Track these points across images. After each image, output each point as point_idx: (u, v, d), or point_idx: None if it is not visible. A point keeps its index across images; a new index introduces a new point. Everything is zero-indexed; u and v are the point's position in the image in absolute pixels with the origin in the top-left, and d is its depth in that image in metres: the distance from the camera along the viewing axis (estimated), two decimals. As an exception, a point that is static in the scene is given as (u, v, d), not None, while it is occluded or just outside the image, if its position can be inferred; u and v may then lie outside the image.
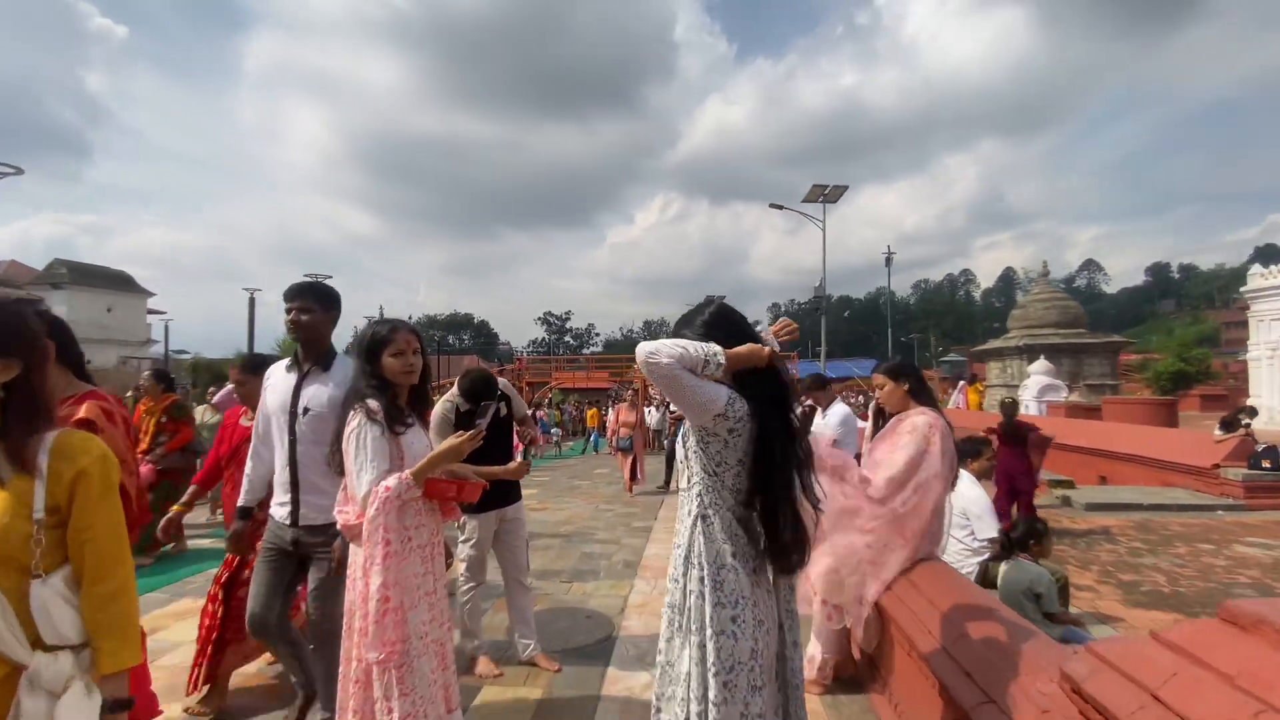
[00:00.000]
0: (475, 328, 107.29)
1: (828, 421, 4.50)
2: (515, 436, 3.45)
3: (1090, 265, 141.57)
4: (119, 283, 41.88)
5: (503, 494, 2.99)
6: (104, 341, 36.53)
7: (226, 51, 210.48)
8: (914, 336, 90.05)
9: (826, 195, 24.55)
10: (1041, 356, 15.39)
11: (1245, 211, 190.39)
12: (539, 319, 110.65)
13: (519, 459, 3.00)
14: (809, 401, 10.28)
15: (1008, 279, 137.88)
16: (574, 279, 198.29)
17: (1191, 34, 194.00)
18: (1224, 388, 23.96)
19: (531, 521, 6.80)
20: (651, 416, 14.24)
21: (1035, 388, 14.88)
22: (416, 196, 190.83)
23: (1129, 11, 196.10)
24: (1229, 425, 7.83)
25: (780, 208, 25.01)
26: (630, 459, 8.83)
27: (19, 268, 40.36)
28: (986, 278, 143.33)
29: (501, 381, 3.17)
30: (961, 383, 19.81)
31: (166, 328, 32.73)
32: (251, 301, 21.46)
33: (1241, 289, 17.19)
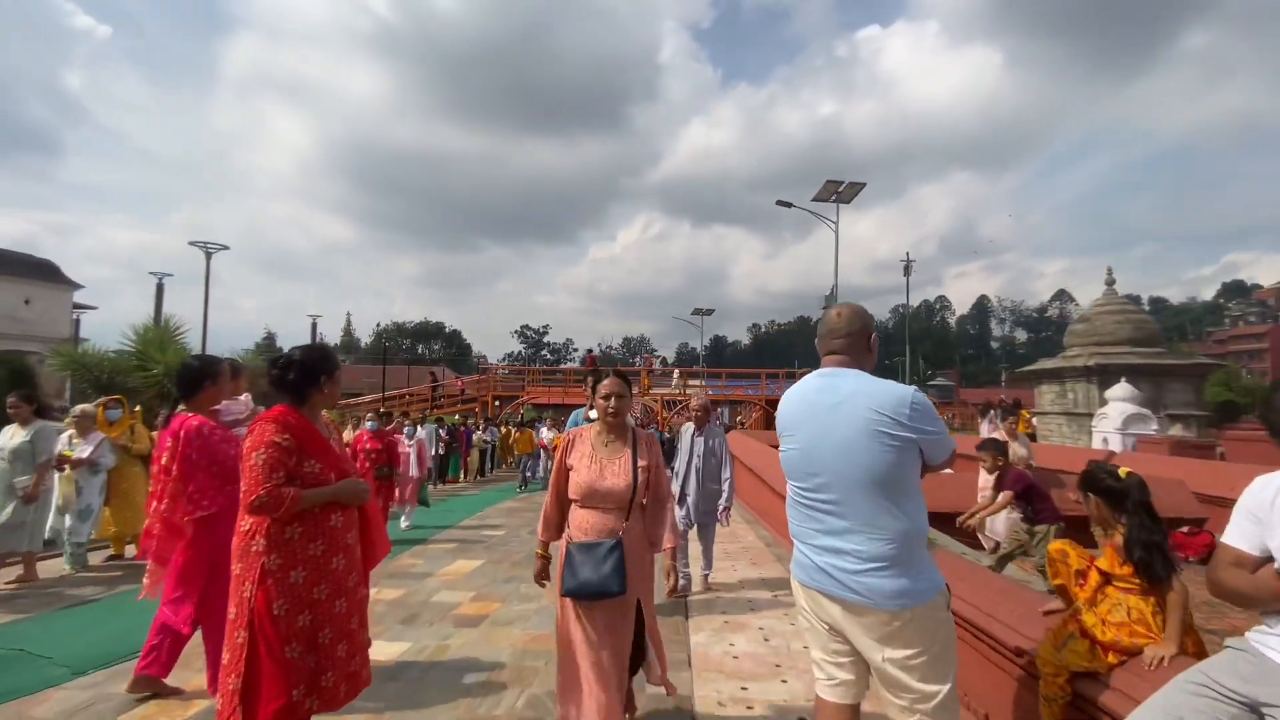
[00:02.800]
0: (447, 337, 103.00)
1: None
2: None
3: (1062, 295, 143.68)
4: (42, 272, 37.25)
5: None
6: (20, 337, 32.14)
7: (207, 55, 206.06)
8: (899, 359, 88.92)
9: (840, 194, 21.88)
10: (1123, 380, 12.57)
11: (1202, 251, 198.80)
12: (515, 332, 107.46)
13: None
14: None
15: (982, 307, 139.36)
16: (554, 294, 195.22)
17: (1149, 84, 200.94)
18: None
19: (454, 666, 3.38)
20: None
21: (1119, 417, 12.03)
22: (395, 206, 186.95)
23: (1091, 60, 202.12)
24: None
25: (789, 205, 22.29)
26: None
27: (-74, 253, 35.65)
28: (960, 305, 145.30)
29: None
30: (995, 411, 16.93)
31: (77, 322, 28.55)
32: (159, 288, 17.78)
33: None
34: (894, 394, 1.80)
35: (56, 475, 5.19)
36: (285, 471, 2.07)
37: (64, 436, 5.25)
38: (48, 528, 5.13)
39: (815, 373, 2.01)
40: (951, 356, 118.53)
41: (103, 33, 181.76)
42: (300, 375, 2.25)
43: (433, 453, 12.22)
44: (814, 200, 21.85)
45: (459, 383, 30.05)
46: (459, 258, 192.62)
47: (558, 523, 2.70)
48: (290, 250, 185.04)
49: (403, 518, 8.08)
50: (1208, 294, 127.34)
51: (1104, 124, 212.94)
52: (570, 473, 2.64)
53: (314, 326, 26.52)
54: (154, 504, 2.94)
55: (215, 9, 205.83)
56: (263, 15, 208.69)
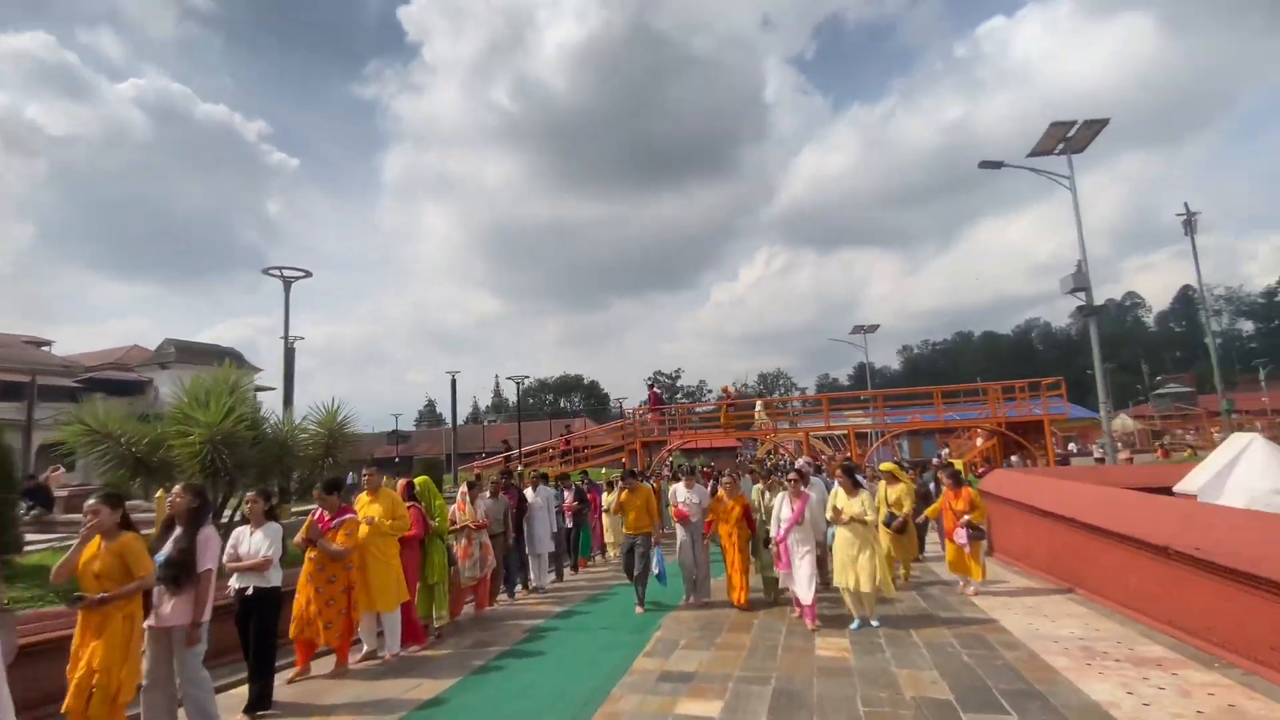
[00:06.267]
0: (586, 389, 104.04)
1: None
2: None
3: None
4: (227, 360, 41.09)
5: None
6: (210, 420, 34.71)
7: (371, 169, 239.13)
8: (1108, 366, 74.90)
9: (1070, 142, 16.40)
10: None
11: None
12: (648, 379, 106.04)
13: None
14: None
15: (1187, 299, 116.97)
16: (681, 340, 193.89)
17: None
18: None
19: None
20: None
21: None
22: (533, 277, 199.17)
23: (1264, 5, 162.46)
24: None
25: (998, 165, 17.13)
26: None
27: (139, 351, 40.60)
28: (1156, 301, 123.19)
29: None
30: None
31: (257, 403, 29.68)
32: (289, 353, 16.66)
33: None
34: None
35: None
36: None
37: None
38: None
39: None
40: (1162, 360, 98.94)
41: (292, 164, 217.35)
42: None
43: (553, 529, 8.72)
44: (1033, 154, 16.59)
45: (563, 442, 26.17)
46: (591, 315, 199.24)
47: None
48: (449, 326, 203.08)
49: None
50: None
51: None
52: None
53: (453, 383, 25.13)
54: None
55: (375, 129, 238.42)
56: (411, 129, 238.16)
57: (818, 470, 10.47)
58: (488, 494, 7.31)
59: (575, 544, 9.61)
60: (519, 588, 8.24)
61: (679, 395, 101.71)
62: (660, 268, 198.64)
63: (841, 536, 5.98)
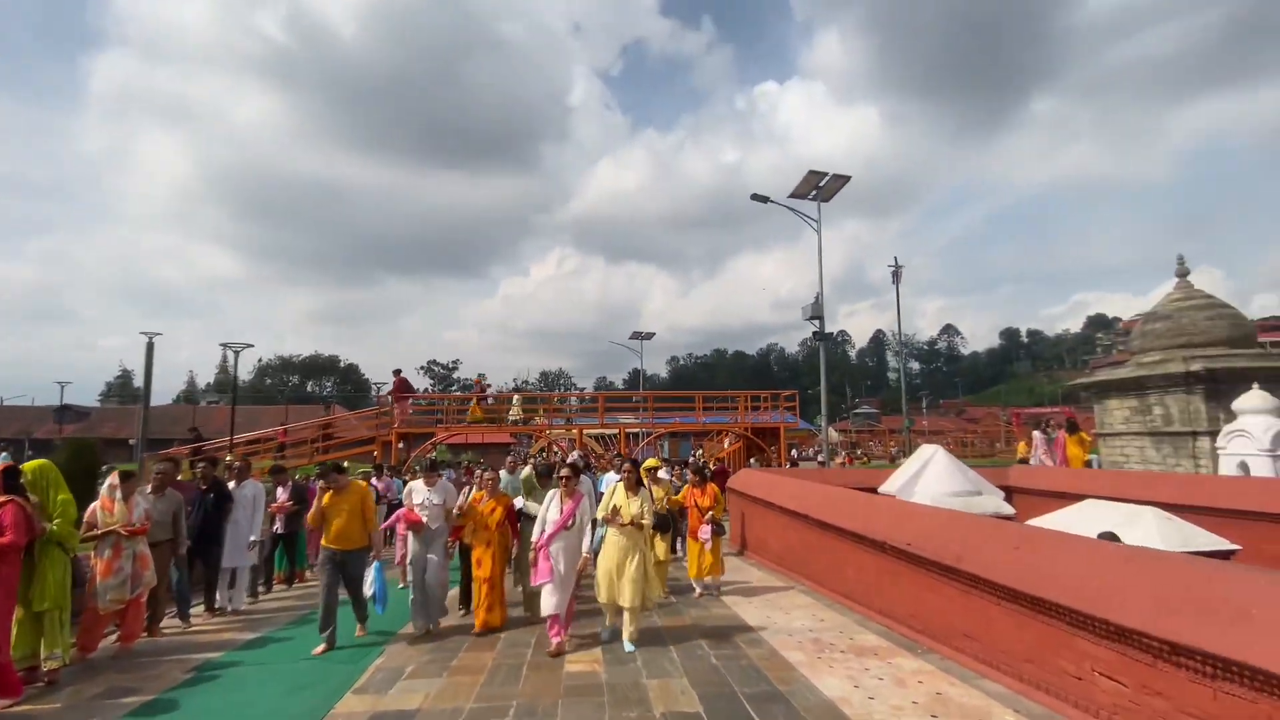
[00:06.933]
0: (342, 373, 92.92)
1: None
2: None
3: (950, 329, 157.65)
4: None
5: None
6: None
7: (71, 71, 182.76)
8: (819, 389, 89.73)
9: (821, 190, 18.89)
10: (1255, 387, 9.78)
11: (1054, 291, 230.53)
12: (423, 368, 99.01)
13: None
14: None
15: (878, 340, 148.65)
16: (463, 329, 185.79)
17: (1006, 142, 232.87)
18: None
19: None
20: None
21: (1266, 434, 9.18)
22: (288, 238, 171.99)
23: (956, 120, 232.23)
24: None
25: (765, 200, 18.99)
26: None
27: None
28: (858, 340, 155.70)
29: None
30: (1046, 434, 14.04)
31: None
32: None
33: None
34: None
35: None
36: None
37: None
38: None
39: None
40: (859, 387, 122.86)
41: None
42: None
43: (254, 536, 6.69)
44: (793, 196, 18.78)
45: (280, 433, 21.66)
46: (358, 292, 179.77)
47: None
48: (163, 284, 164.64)
49: None
50: (1059, 329, 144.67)
51: (971, 177, 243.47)
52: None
53: (150, 346, 19.86)
54: None
55: (82, 22, 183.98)
56: (137, 33, 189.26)
57: (586, 467, 10.12)
58: (149, 488, 5.43)
59: (291, 552, 7.84)
60: (200, 609, 6.38)
61: (454, 386, 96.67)
62: (447, 251, 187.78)
63: (612, 541, 5.33)
